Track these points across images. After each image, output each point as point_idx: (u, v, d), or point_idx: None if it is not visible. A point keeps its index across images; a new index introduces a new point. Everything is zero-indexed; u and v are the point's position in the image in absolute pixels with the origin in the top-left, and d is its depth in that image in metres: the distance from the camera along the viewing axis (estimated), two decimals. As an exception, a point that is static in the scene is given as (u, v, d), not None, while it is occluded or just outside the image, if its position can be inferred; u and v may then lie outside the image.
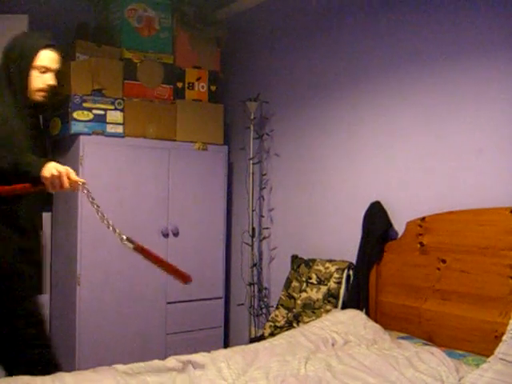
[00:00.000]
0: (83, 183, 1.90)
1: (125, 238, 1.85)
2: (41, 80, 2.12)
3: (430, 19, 2.55)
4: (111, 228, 1.87)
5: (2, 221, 2.04)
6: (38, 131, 2.27)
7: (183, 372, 1.87)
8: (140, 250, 1.87)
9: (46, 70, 2.12)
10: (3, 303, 2.03)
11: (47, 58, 2.12)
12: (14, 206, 2.05)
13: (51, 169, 1.85)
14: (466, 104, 2.38)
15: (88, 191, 1.89)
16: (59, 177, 1.85)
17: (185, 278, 1.96)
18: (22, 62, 2.09)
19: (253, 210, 3.45)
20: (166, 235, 3.39)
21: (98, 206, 1.89)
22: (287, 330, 2.69)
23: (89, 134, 3.10)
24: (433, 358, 1.93)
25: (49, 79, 2.13)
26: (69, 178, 1.86)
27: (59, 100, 2.26)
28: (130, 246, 1.85)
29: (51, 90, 2.17)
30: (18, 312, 2.06)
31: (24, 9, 3.03)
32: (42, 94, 2.14)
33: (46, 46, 2.13)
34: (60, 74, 2.20)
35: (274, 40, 3.55)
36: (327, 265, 2.85)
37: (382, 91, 2.79)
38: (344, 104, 3.01)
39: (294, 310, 2.87)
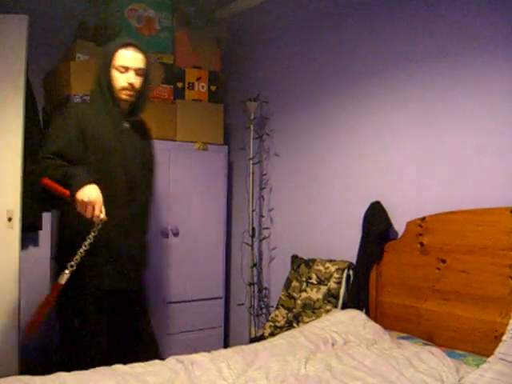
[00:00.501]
0: (103, 220, 1.96)
1: (67, 272, 1.94)
2: (122, 79, 2.21)
3: (429, 17, 2.54)
4: (79, 257, 1.95)
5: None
6: (133, 134, 2.33)
7: (183, 372, 1.87)
8: (52, 288, 1.97)
9: (125, 69, 2.21)
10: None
11: (125, 57, 2.22)
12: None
13: (85, 194, 1.92)
14: (467, 104, 2.38)
15: (101, 228, 1.96)
16: (86, 205, 1.91)
17: (30, 325, 1.94)
18: (104, 62, 2.23)
19: (253, 210, 3.45)
20: (166, 235, 3.39)
21: (91, 239, 1.96)
22: (287, 329, 2.69)
23: (89, 134, 3.10)
24: (433, 358, 1.93)
25: (130, 78, 2.21)
26: (94, 208, 1.93)
27: (145, 100, 2.40)
28: (62, 276, 1.93)
29: (136, 89, 2.24)
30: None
31: (24, 9, 3.02)
32: (126, 92, 2.23)
33: (125, 45, 2.22)
34: (146, 72, 2.27)
35: (274, 40, 3.54)
36: (327, 265, 2.85)
37: (382, 91, 2.79)
38: (344, 104, 3.01)
39: (294, 310, 2.86)
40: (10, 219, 2.86)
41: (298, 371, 1.91)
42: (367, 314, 2.58)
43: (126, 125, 2.30)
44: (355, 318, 2.46)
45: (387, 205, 2.66)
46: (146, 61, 2.27)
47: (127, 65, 2.22)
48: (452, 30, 2.45)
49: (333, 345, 2.24)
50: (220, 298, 3.62)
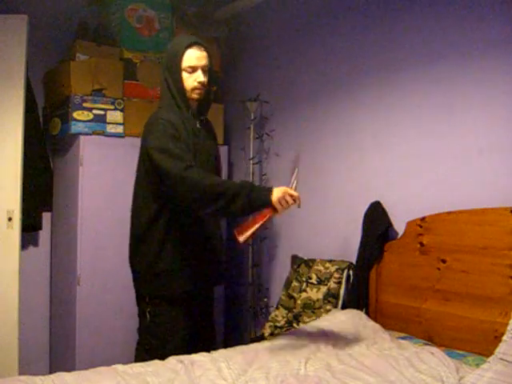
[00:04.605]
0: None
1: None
2: (191, 79, 2.23)
3: (428, 19, 2.54)
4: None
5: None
6: (205, 134, 2.37)
7: (183, 372, 1.87)
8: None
9: (192, 69, 2.22)
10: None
11: (191, 57, 2.22)
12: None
13: (278, 192, 1.96)
14: (466, 104, 2.38)
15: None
16: (284, 197, 1.96)
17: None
18: (172, 65, 2.24)
19: (253, 210, 3.45)
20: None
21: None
22: (287, 329, 2.69)
23: (89, 134, 3.10)
24: (433, 358, 1.93)
25: (199, 76, 2.23)
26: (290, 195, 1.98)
27: (211, 97, 2.41)
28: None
29: (206, 87, 2.28)
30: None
31: (24, 9, 3.02)
32: (197, 91, 2.26)
33: (189, 46, 2.23)
34: (210, 69, 2.29)
35: (274, 40, 3.54)
36: (327, 265, 2.85)
37: (382, 91, 2.79)
38: (344, 104, 3.01)
39: (294, 310, 2.86)
40: (10, 219, 2.87)
41: (298, 371, 1.91)
42: (367, 313, 2.58)
43: (198, 125, 2.33)
44: (355, 317, 2.46)
45: (387, 205, 2.66)
46: (209, 57, 2.27)
47: (194, 64, 2.22)
48: (451, 33, 2.44)
49: (333, 345, 2.24)
50: (220, 297, 3.61)
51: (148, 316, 2.31)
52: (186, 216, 2.24)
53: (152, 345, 2.31)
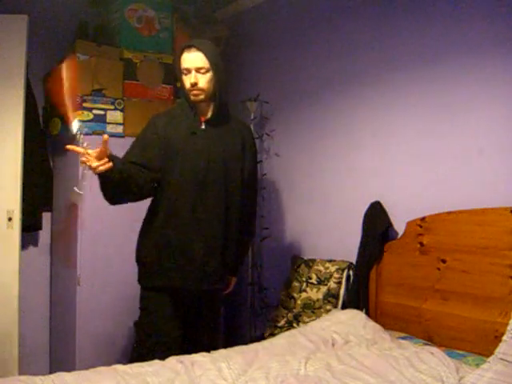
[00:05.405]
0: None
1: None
2: (187, 80, 2.32)
3: (428, 19, 2.54)
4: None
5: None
6: (212, 135, 2.39)
7: (183, 372, 1.87)
8: None
9: (187, 70, 2.30)
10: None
11: (185, 59, 2.31)
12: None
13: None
14: (466, 103, 2.38)
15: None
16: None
17: None
18: (177, 69, 2.39)
19: (253, 210, 3.45)
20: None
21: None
22: (287, 330, 2.69)
23: (89, 134, 3.10)
24: (433, 358, 1.93)
25: (191, 78, 2.30)
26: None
27: (217, 98, 2.39)
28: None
29: (201, 88, 2.32)
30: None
31: (24, 9, 3.02)
32: (192, 92, 2.32)
33: (185, 48, 2.31)
34: (214, 70, 2.33)
35: (274, 40, 3.54)
36: (327, 265, 2.85)
37: (381, 91, 2.78)
38: (344, 104, 3.01)
39: (294, 310, 2.86)
40: (10, 219, 2.87)
41: (298, 371, 1.91)
42: (367, 313, 2.58)
43: (202, 126, 2.36)
44: (355, 317, 2.46)
45: (387, 205, 2.66)
46: (209, 59, 2.30)
47: (187, 66, 2.29)
48: (451, 33, 2.44)
49: (333, 345, 2.24)
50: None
51: (140, 309, 2.41)
52: (161, 215, 2.35)
53: (141, 337, 2.36)
